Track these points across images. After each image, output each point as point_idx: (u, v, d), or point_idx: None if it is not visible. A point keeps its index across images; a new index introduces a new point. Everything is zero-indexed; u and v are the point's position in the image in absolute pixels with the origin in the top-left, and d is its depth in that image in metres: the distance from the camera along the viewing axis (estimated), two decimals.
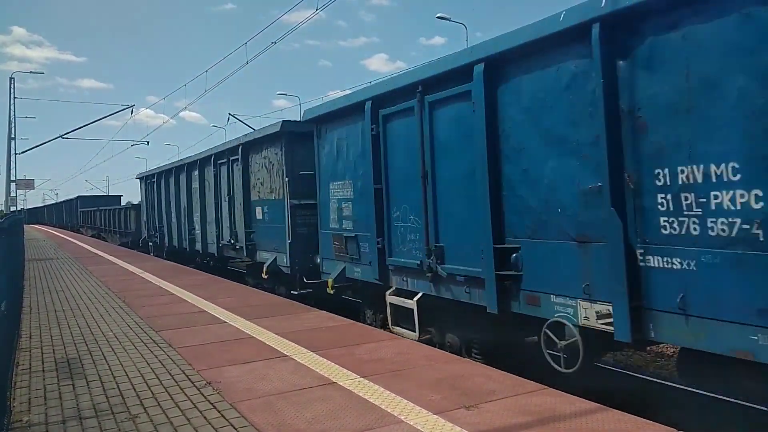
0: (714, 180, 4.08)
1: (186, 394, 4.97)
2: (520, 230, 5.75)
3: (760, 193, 3.82)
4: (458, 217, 6.56)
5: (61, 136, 36.77)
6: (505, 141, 5.85)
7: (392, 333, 7.56)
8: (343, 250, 8.88)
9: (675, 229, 4.34)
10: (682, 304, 4.29)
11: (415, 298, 7.30)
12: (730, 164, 3.98)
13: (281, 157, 10.91)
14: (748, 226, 3.89)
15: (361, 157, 8.31)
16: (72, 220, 52.86)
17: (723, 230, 4.04)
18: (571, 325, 5.18)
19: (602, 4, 4.67)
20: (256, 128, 17.20)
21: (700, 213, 4.17)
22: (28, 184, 61.15)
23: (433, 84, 6.80)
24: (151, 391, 5.09)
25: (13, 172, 40.83)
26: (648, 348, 7.73)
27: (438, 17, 31.98)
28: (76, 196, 53.12)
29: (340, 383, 5.11)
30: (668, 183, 4.37)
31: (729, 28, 3.99)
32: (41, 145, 51.49)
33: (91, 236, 38.98)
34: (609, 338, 4.86)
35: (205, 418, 4.40)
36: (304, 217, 10.52)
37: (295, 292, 10.57)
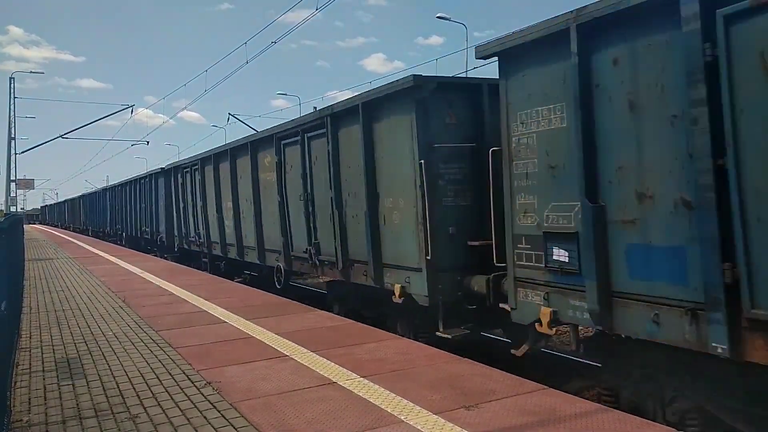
0: None
1: (186, 394, 4.98)
2: None
3: None
4: None
5: (61, 136, 36.76)
6: None
7: None
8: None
9: None
10: None
11: None
12: None
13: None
14: None
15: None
16: None
17: None
18: None
19: None
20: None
21: None
22: (28, 184, 61.45)
23: None
24: (151, 391, 5.09)
25: (13, 172, 40.84)
26: None
27: (438, 17, 32.06)
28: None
29: (340, 383, 5.11)
30: None
31: None
32: (41, 145, 51.51)
33: None
34: None
35: (205, 418, 4.40)
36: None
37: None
